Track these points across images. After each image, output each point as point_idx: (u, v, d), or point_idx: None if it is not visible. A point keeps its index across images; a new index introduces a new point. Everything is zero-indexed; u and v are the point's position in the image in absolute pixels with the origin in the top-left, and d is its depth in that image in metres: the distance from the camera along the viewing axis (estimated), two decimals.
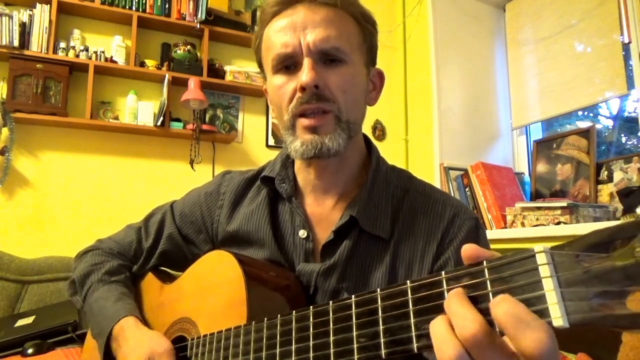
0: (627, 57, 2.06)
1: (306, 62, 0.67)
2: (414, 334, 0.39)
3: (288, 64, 0.69)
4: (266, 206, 0.78)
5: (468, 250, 0.39)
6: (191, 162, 2.37)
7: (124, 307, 0.80)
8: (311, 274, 0.71)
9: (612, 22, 2.10)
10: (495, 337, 0.35)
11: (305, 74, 0.66)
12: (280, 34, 0.69)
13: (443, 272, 0.39)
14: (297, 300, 0.70)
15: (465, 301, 0.37)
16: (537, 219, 1.85)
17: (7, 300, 1.81)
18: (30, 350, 1.40)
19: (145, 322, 0.83)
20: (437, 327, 0.37)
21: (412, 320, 0.40)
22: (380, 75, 0.80)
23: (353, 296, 0.46)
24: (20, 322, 1.58)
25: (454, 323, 0.36)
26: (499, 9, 2.80)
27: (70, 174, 2.22)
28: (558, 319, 0.32)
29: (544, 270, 0.33)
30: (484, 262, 0.37)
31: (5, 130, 2.04)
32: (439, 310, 0.38)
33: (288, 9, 0.70)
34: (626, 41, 1.97)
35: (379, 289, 0.44)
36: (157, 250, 0.88)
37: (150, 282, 0.89)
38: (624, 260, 0.30)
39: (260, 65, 0.78)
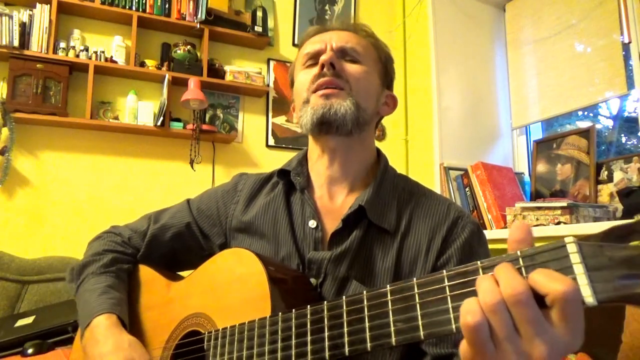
0: (627, 57, 2.06)
1: (327, 48, 0.80)
2: (452, 315, 0.44)
3: (314, 62, 0.80)
4: (283, 197, 0.84)
5: (516, 233, 0.42)
6: (191, 162, 2.36)
7: (105, 302, 0.79)
8: (322, 262, 0.74)
9: (612, 22, 2.10)
10: (534, 301, 0.38)
11: (326, 54, 0.78)
12: (311, 44, 0.84)
13: (479, 262, 0.43)
14: (311, 297, 0.72)
15: (514, 269, 0.40)
16: (537, 219, 1.84)
17: (7, 300, 1.81)
18: (30, 350, 1.39)
19: (145, 319, 0.83)
20: (484, 284, 0.40)
21: (450, 305, 0.44)
22: (394, 99, 0.88)
23: (388, 285, 0.49)
24: (20, 322, 1.58)
25: (502, 282, 0.39)
26: (498, 9, 2.80)
27: (70, 174, 2.22)
28: (588, 297, 0.37)
29: (574, 257, 0.38)
30: (518, 252, 0.41)
31: (5, 130, 2.04)
32: (476, 294, 0.42)
33: (321, 33, 0.85)
34: (626, 41, 1.97)
35: (414, 279, 0.47)
36: (171, 231, 0.90)
37: (155, 279, 0.88)
38: None
39: (292, 83, 0.88)
